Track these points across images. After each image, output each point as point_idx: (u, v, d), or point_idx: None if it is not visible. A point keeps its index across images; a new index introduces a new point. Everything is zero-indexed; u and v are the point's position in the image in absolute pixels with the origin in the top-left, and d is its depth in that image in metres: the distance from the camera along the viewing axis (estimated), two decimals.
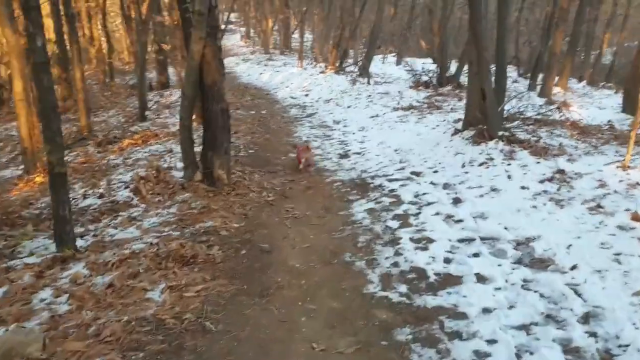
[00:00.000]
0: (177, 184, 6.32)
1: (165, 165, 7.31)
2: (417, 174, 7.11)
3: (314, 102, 14.44)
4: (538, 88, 14.04)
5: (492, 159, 6.90)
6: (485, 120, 7.50)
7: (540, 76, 14.54)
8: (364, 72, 16.93)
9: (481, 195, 5.96)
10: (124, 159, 8.52)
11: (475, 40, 7.22)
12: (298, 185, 7.17)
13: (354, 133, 10.32)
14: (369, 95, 13.64)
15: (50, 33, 11.75)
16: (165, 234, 5.06)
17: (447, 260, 4.64)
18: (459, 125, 8.70)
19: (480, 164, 6.84)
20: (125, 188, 6.49)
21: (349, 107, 12.93)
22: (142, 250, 4.63)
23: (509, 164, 6.65)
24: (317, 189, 7.04)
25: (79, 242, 4.94)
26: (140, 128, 10.93)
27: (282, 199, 6.60)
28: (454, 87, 13.80)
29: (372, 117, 11.36)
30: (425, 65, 16.13)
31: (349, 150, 9.00)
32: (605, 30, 18.80)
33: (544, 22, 14.35)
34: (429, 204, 6.05)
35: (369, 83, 15.52)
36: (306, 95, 15.66)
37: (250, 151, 8.99)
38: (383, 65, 22.04)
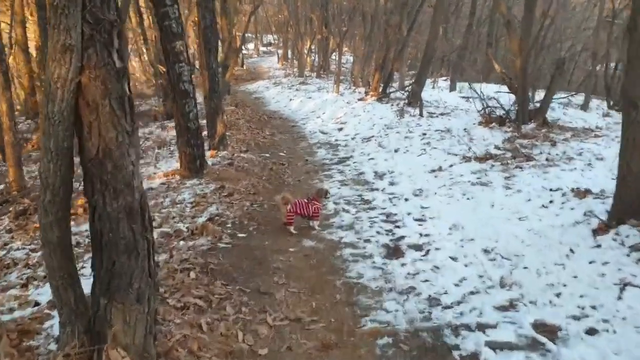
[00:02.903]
0: None
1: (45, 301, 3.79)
2: (551, 331, 3.36)
3: (349, 141, 10.85)
4: None
5: None
6: None
7: None
8: (415, 99, 13.25)
9: None
10: (32, 249, 5.14)
11: None
12: (305, 340, 3.53)
13: (407, 199, 6.62)
14: (424, 134, 9.93)
15: None
16: None
17: None
18: (595, 207, 4.89)
19: None
20: None
21: (396, 150, 9.25)
22: None
23: None
24: (341, 352, 3.39)
25: None
26: None
27: None
28: (538, 125, 9.90)
29: (433, 170, 7.64)
30: (490, 91, 12.30)
31: (402, 239, 5.30)
32: None
33: None
34: None
35: (421, 115, 11.82)
36: (340, 129, 12.11)
37: (241, 235, 5.44)
38: (433, 91, 18.26)
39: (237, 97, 19.59)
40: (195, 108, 7.43)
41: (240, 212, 6.12)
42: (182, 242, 4.97)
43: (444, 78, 23.03)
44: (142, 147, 10.13)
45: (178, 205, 6.13)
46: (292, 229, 5.64)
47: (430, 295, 4.07)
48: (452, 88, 19.43)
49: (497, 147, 8.40)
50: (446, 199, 6.31)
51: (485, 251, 4.66)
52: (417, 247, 5.06)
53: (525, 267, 4.18)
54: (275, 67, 32.45)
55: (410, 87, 14.32)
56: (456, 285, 4.18)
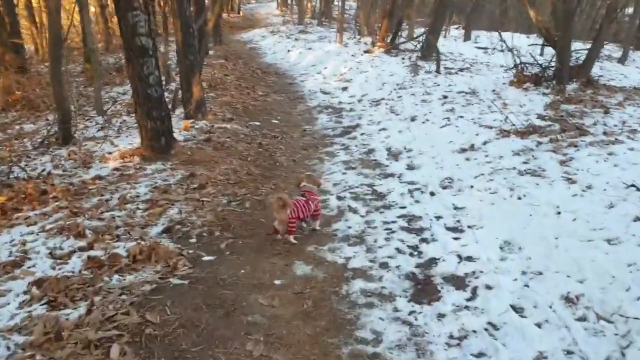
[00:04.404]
0: None
1: None
2: None
3: (355, 104, 9.03)
4: None
5: None
6: None
7: None
8: (429, 52, 11.29)
9: None
10: None
11: None
12: None
13: (432, 193, 4.93)
14: (445, 97, 8.09)
15: None
16: None
17: None
18: None
19: None
20: None
21: (412, 119, 7.46)
22: None
23: None
24: None
25: None
26: (39, 166, 5.93)
27: None
28: (582, 85, 8.05)
29: (463, 150, 5.90)
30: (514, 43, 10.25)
31: (434, 265, 3.67)
32: None
33: None
34: None
35: (438, 72, 9.92)
36: (344, 88, 10.24)
37: (207, 258, 3.79)
38: (446, 41, 16.11)
39: (230, 47, 17.48)
40: (156, 70, 5.60)
41: (211, 215, 4.45)
42: (115, 278, 3.33)
43: (456, 26, 20.73)
44: (108, 113, 8.34)
45: (128, 207, 4.46)
46: (292, 238, 4.05)
47: None
48: (467, 37, 17.28)
49: (539, 116, 6.61)
50: (488, 195, 4.61)
51: (568, 300, 3.02)
52: (458, 282, 3.42)
53: None
54: (273, 14, 29.82)
55: (422, 37, 12.27)
56: None
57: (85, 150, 6.18)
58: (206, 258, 3.77)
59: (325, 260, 3.84)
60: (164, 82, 10.39)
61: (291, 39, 18.18)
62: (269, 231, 4.23)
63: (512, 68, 8.64)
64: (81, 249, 3.67)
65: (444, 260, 3.70)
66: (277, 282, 3.53)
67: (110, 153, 5.91)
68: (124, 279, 3.33)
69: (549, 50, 11.44)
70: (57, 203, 4.60)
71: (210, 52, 14.72)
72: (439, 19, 11.99)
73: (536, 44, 9.98)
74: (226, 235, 4.15)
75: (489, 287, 3.29)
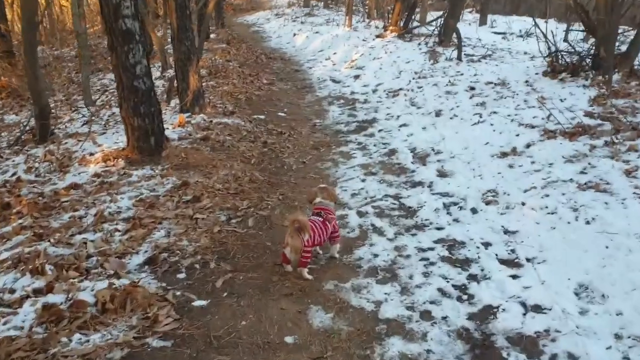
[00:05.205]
0: None
1: None
2: None
3: (370, 94, 8.08)
4: None
5: None
6: None
7: None
8: (448, 38, 10.29)
9: None
10: None
11: None
12: None
13: (474, 211, 4.05)
14: (472, 88, 7.14)
15: None
16: None
17: None
18: None
19: None
20: None
21: (438, 114, 6.53)
22: None
23: None
24: None
25: None
26: (10, 168, 5.05)
27: None
28: (625, 76, 7.09)
29: (504, 154, 4.98)
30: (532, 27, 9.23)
31: (491, 317, 2.81)
32: None
33: None
34: None
35: (459, 59, 8.94)
36: (356, 76, 9.28)
37: (199, 302, 2.93)
38: (460, 25, 14.98)
39: (233, 30, 16.45)
40: (144, 58, 4.69)
41: (207, 238, 3.59)
42: (76, 338, 2.48)
43: (470, 9, 19.60)
44: (97, 103, 7.43)
45: (105, 227, 3.59)
46: (306, 272, 3.20)
47: None
48: (483, 22, 16.19)
49: (587, 113, 5.67)
50: (545, 217, 3.71)
51: None
52: (529, 346, 2.56)
53: None
54: None
55: (439, 21, 11.23)
56: None
57: (64, 149, 5.30)
58: (197, 303, 2.91)
59: (349, 304, 2.98)
60: (160, 70, 9.50)
61: (297, 22, 17.15)
62: (277, 260, 3.38)
63: (547, 56, 7.65)
64: (37, 292, 2.82)
65: (504, 309, 2.83)
66: (288, 339, 2.68)
67: (92, 154, 5.03)
68: (87, 340, 2.48)
69: (574, 37, 10.46)
70: (20, 221, 3.75)
71: (211, 36, 13.75)
72: (458, 2, 10.94)
73: (574, 30, 8.97)
74: (224, 268, 3.29)
75: (573, 358, 2.43)
